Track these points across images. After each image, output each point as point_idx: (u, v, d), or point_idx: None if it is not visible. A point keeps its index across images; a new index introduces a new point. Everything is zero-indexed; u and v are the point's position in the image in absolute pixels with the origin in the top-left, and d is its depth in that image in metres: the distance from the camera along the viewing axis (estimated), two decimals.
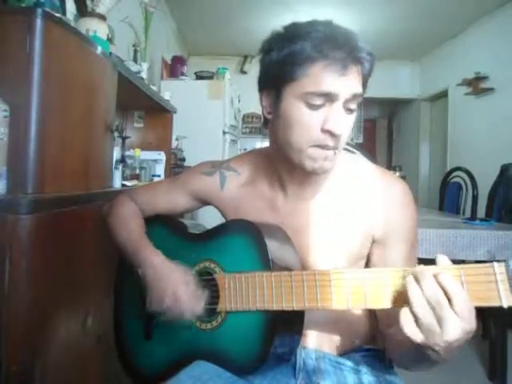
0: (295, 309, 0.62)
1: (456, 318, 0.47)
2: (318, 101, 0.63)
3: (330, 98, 0.63)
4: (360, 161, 0.80)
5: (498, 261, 0.47)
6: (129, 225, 0.84)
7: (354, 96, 0.64)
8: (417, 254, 0.76)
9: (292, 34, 0.65)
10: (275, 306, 0.64)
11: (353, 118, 0.67)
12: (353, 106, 0.66)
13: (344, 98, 0.63)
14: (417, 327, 0.49)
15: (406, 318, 0.49)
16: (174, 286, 0.71)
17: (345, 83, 0.62)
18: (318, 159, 0.66)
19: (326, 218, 0.75)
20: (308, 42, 0.62)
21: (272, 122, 0.72)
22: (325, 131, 0.64)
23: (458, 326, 0.46)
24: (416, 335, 0.49)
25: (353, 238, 0.73)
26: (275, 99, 0.69)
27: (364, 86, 0.68)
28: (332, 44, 0.62)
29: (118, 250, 0.84)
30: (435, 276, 0.48)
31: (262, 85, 0.72)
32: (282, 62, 0.66)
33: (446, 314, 0.47)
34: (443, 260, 0.50)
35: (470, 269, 0.48)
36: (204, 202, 0.89)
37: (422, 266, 0.50)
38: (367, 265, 0.77)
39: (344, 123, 0.65)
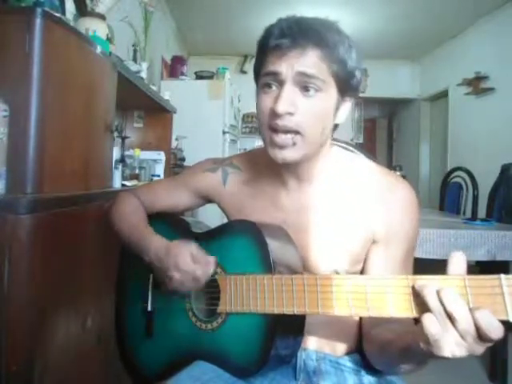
0: (296, 313, 0.61)
1: (459, 338, 0.44)
2: (267, 80, 0.66)
3: (277, 78, 0.65)
4: (363, 160, 0.79)
5: (502, 263, 0.46)
6: (132, 218, 0.83)
7: (302, 75, 0.64)
8: (412, 260, 0.74)
9: (263, 31, 0.69)
10: (276, 310, 0.63)
11: (318, 101, 0.65)
12: (311, 85, 0.64)
13: (290, 78, 0.64)
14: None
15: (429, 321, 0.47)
16: (181, 253, 0.70)
17: (287, 62, 0.64)
18: (275, 146, 0.67)
19: (328, 217, 0.74)
20: (266, 33, 0.67)
21: None
22: (271, 111, 0.65)
23: (458, 344, 0.45)
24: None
25: (354, 238, 0.73)
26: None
27: (340, 76, 0.66)
28: (282, 29, 0.64)
29: (122, 243, 0.84)
30: (438, 292, 0.46)
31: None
32: (255, 58, 0.72)
33: (447, 330, 0.45)
34: (457, 260, 0.47)
35: (475, 280, 0.46)
36: (206, 200, 0.89)
37: (424, 283, 0.48)
38: (363, 268, 0.76)
39: (299, 106, 0.64)
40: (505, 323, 0.44)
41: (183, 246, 0.72)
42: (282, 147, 0.66)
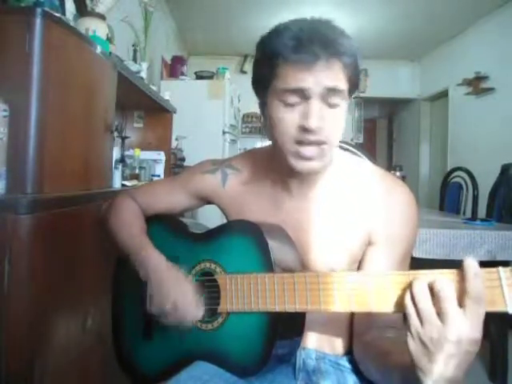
0: (297, 310, 0.62)
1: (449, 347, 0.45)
2: (291, 98, 0.63)
3: (302, 94, 0.63)
4: (363, 163, 0.79)
5: (502, 263, 0.47)
6: (129, 225, 0.83)
7: (330, 90, 0.63)
8: (408, 263, 0.74)
9: (266, 37, 0.66)
10: (278, 308, 0.63)
11: (339, 112, 0.66)
12: (334, 100, 0.64)
13: (318, 93, 0.63)
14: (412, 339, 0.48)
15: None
16: (175, 292, 0.72)
17: (314, 78, 0.62)
18: (301, 158, 0.66)
19: (327, 218, 0.74)
20: (277, 41, 0.63)
21: (265, 124, 0.74)
22: (300, 127, 0.64)
23: (459, 314, 0.45)
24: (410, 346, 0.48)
25: (354, 239, 0.73)
26: (262, 104, 0.71)
27: (352, 80, 0.66)
28: (300, 40, 0.61)
29: (118, 249, 0.84)
30: (430, 286, 0.47)
31: (254, 91, 0.74)
32: (259, 65, 0.68)
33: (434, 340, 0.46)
34: (469, 264, 0.46)
35: None
36: (205, 201, 0.89)
37: (425, 274, 0.49)
38: (358, 267, 0.76)
39: (326, 119, 0.64)
40: (504, 319, 0.44)
41: (186, 281, 0.74)
42: (309, 159, 0.66)
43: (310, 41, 0.61)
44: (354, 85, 0.68)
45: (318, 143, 0.65)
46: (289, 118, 0.65)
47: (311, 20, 0.66)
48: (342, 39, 0.64)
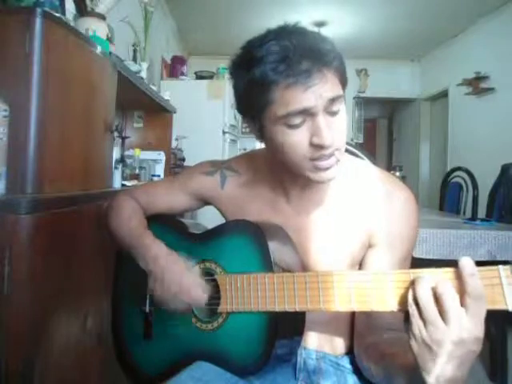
0: (298, 310, 0.62)
1: (444, 328, 0.45)
2: (296, 120, 0.61)
3: (306, 112, 0.61)
4: (363, 164, 0.79)
5: (502, 263, 0.47)
6: (131, 221, 0.83)
7: (331, 100, 0.62)
8: (409, 264, 0.74)
9: (249, 58, 0.63)
10: (277, 308, 0.63)
11: (341, 117, 0.65)
12: (335, 107, 0.63)
13: (321, 107, 0.61)
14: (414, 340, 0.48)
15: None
16: (180, 276, 0.71)
17: (315, 94, 0.60)
18: (318, 170, 0.65)
19: (327, 221, 0.74)
20: (265, 66, 0.60)
21: (264, 143, 0.72)
22: (314, 145, 0.63)
23: (459, 317, 0.45)
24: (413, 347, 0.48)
25: (354, 241, 0.73)
26: (257, 126, 0.68)
27: (344, 80, 0.66)
28: (290, 60, 0.59)
29: (120, 246, 0.84)
30: (433, 289, 0.47)
31: (241, 113, 0.72)
32: (247, 92, 0.65)
33: (435, 336, 0.46)
34: (465, 263, 0.47)
35: None
36: (204, 202, 0.88)
37: (426, 272, 0.50)
38: (358, 269, 0.76)
39: (333, 128, 0.63)
40: (504, 318, 0.45)
41: (189, 266, 0.73)
42: (327, 169, 0.65)
43: (299, 58, 0.59)
44: (345, 83, 0.67)
45: (333, 153, 0.64)
46: (298, 139, 0.63)
47: (288, 32, 0.63)
48: (324, 45, 0.62)
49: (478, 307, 0.45)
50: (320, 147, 0.62)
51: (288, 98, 0.60)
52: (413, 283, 0.49)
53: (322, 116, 0.62)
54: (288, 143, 0.63)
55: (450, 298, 0.46)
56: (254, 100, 0.64)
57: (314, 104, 0.60)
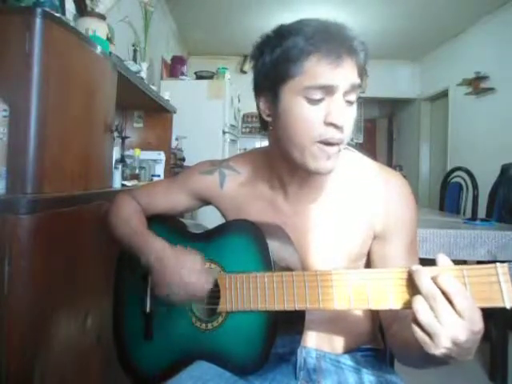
0: (297, 309, 0.62)
1: (458, 318, 0.46)
2: (317, 94, 0.63)
3: (329, 90, 0.63)
4: (358, 157, 0.79)
5: (501, 262, 0.47)
6: (131, 221, 0.83)
7: (353, 87, 0.64)
8: (418, 251, 0.75)
9: (283, 33, 0.65)
10: (277, 307, 0.63)
11: (354, 110, 0.67)
12: (352, 97, 0.65)
13: (343, 89, 0.63)
14: (421, 331, 0.48)
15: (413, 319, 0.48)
16: (181, 265, 0.70)
17: (342, 74, 0.62)
18: (321, 158, 0.65)
19: (326, 219, 0.74)
20: (300, 37, 0.62)
21: (272, 124, 0.71)
22: (328, 124, 0.63)
23: (460, 325, 0.45)
24: (420, 338, 0.48)
25: (354, 237, 0.73)
26: (274, 100, 0.68)
27: (361, 77, 0.67)
28: (324, 36, 0.62)
29: (121, 246, 0.84)
30: (434, 278, 0.47)
31: (258, 89, 0.72)
32: (276, 61, 0.65)
33: (446, 314, 0.46)
34: (443, 260, 0.49)
35: (472, 270, 0.48)
36: (204, 201, 0.89)
37: (418, 267, 0.50)
38: (367, 263, 0.77)
39: (346, 115, 0.64)
40: (505, 319, 0.45)
41: (190, 255, 0.72)
42: (329, 158, 0.66)
43: (334, 38, 0.62)
44: (362, 78, 0.68)
45: (340, 142, 0.65)
46: (314, 115, 0.63)
47: (326, 20, 0.66)
48: (359, 39, 0.65)
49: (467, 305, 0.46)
50: (333, 126, 0.63)
51: (318, 70, 0.62)
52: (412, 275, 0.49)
53: (341, 97, 0.63)
54: (303, 117, 0.64)
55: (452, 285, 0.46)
56: (280, 71, 0.64)
57: (339, 83, 0.62)
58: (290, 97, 0.65)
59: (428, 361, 0.52)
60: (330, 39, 0.61)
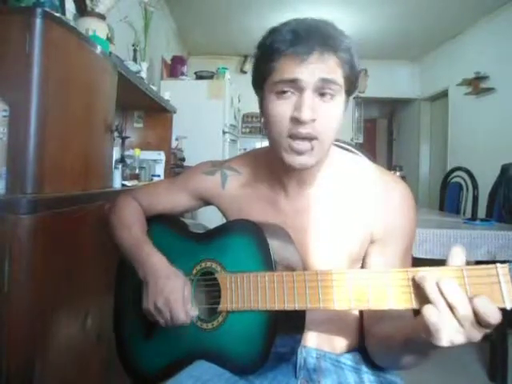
0: (297, 309, 0.62)
1: (457, 325, 0.46)
2: (284, 88, 0.64)
3: (296, 85, 0.64)
4: (360, 161, 0.80)
5: (501, 262, 0.47)
6: (130, 224, 0.84)
7: (324, 81, 0.63)
8: (410, 257, 0.75)
9: (266, 33, 0.68)
10: (277, 306, 0.63)
11: (333, 107, 0.66)
12: (328, 91, 0.64)
13: (312, 85, 0.63)
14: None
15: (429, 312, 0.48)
16: (169, 290, 0.72)
17: (309, 69, 0.62)
18: (292, 153, 0.66)
19: (327, 218, 0.75)
20: (276, 37, 0.64)
21: (264, 122, 0.73)
22: (293, 119, 0.64)
23: (457, 331, 0.46)
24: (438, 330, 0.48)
25: (353, 238, 0.73)
26: (261, 99, 0.72)
27: (350, 79, 0.67)
28: (298, 35, 0.63)
29: (119, 249, 0.84)
30: (437, 283, 0.47)
31: (254, 89, 0.74)
32: (258, 60, 0.69)
33: (447, 319, 0.46)
34: (456, 253, 0.49)
35: (472, 270, 0.48)
36: (205, 202, 0.89)
37: (423, 270, 0.50)
38: (362, 266, 0.77)
39: (319, 112, 0.64)
40: (504, 319, 0.45)
41: (181, 283, 0.74)
42: (300, 153, 0.66)
43: (307, 35, 0.63)
44: (351, 84, 0.68)
45: (310, 138, 0.65)
46: (282, 110, 0.65)
47: (311, 19, 0.67)
48: (340, 36, 0.65)
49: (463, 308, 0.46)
50: (296, 121, 0.64)
51: (284, 66, 0.64)
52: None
53: (309, 93, 0.64)
54: (273, 113, 0.66)
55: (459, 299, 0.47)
56: (260, 70, 0.68)
57: (304, 78, 0.63)
58: (267, 94, 0.68)
59: (407, 353, 0.58)
60: (302, 37, 0.63)
